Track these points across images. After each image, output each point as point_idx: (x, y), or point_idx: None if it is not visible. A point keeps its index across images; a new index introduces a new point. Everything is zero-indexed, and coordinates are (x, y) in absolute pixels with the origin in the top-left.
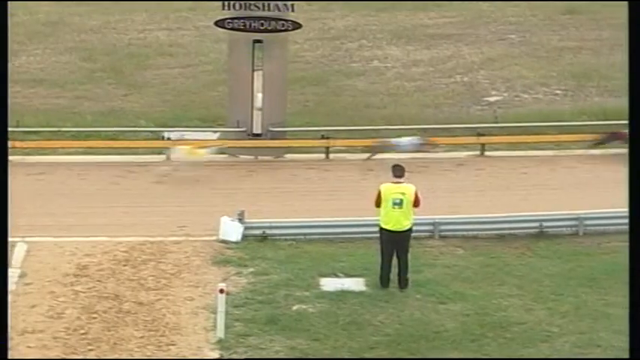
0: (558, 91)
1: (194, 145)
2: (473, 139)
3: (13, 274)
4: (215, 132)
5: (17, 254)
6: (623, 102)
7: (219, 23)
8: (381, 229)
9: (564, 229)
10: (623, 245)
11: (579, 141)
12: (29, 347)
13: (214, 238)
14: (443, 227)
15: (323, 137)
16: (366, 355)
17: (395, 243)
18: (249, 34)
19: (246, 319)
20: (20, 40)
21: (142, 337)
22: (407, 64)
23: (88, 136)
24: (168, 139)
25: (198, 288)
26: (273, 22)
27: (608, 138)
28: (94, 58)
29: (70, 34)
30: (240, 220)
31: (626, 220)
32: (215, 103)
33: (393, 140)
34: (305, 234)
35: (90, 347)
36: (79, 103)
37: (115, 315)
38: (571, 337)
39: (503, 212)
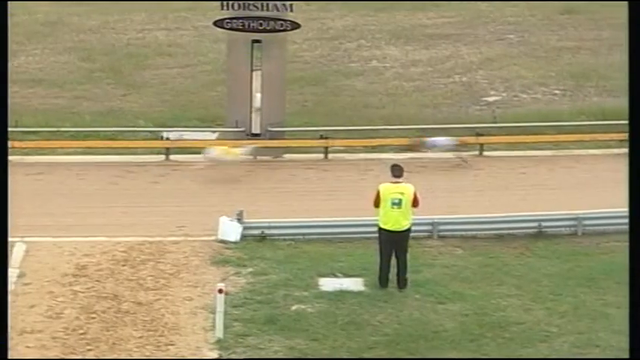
0: (557, 91)
1: (230, 145)
2: (472, 139)
3: (11, 274)
4: (214, 132)
5: (16, 254)
6: (621, 102)
7: (218, 23)
8: (380, 229)
9: (563, 229)
10: (621, 245)
11: (578, 141)
12: (28, 347)
13: (213, 238)
14: (442, 227)
15: (322, 137)
16: (365, 355)
17: (394, 243)
18: (247, 34)
19: (245, 319)
20: (19, 40)
21: (140, 337)
22: (405, 64)
23: (86, 136)
24: (167, 139)
25: (197, 288)
26: (271, 22)
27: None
28: (93, 58)
29: (69, 34)
30: (239, 220)
31: (625, 220)
32: (214, 103)
33: (429, 139)
34: (304, 234)
35: (89, 347)
36: (78, 103)
37: (113, 315)
38: (570, 337)
39: (502, 212)
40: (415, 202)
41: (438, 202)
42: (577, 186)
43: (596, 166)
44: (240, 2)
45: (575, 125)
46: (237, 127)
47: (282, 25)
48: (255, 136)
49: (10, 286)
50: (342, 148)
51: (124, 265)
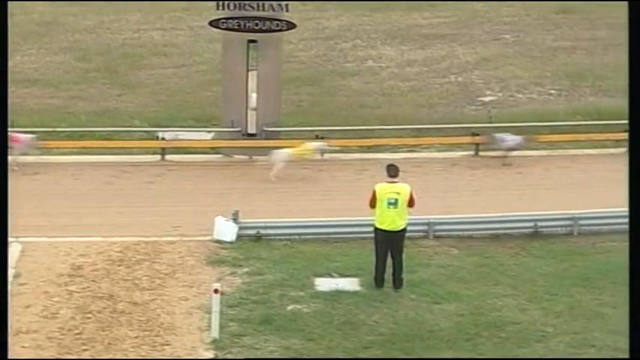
0: (552, 91)
1: (299, 145)
2: (467, 139)
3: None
4: (209, 132)
5: (12, 254)
6: (617, 102)
7: (214, 23)
8: (376, 229)
9: (559, 228)
10: (617, 245)
11: (574, 141)
12: (23, 347)
13: (209, 238)
14: (437, 227)
15: (317, 137)
16: (361, 355)
17: (390, 243)
18: (243, 34)
19: (240, 319)
20: (14, 40)
21: (136, 337)
22: (401, 64)
23: (82, 136)
24: (163, 139)
25: (193, 288)
26: (267, 22)
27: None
28: (89, 58)
29: (65, 34)
30: (235, 220)
31: (620, 220)
32: (209, 103)
33: (497, 136)
34: (299, 234)
35: (84, 347)
36: (74, 103)
37: (109, 315)
38: (565, 337)
39: (498, 212)
40: (411, 202)
41: (434, 202)
42: (573, 186)
43: (592, 166)
44: (236, 2)
45: (570, 125)
46: (232, 127)
47: (277, 25)
48: (251, 136)
49: None
50: (337, 148)
51: (119, 265)
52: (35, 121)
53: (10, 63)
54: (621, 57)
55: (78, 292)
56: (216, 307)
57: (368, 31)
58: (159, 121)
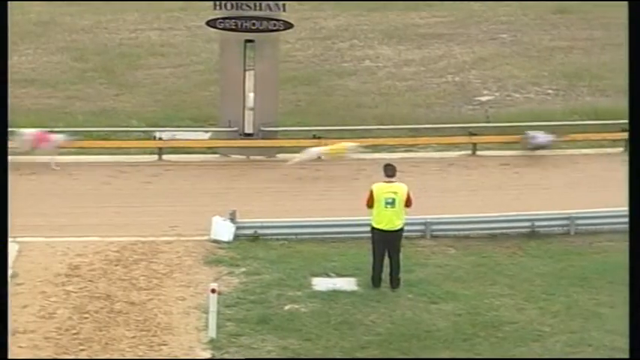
0: (550, 91)
1: (332, 144)
2: (464, 139)
3: None
4: (207, 132)
5: (9, 254)
6: (614, 101)
7: (211, 23)
8: (373, 228)
9: (556, 228)
10: (614, 245)
11: (571, 141)
12: (20, 347)
13: (206, 237)
14: (434, 227)
15: (314, 137)
16: (358, 355)
17: (387, 242)
18: (240, 33)
19: (237, 318)
20: (12, 39)
21: (133, 337)
22: (398, 63)
23: (79, 135)
24: (160, 139)
25: (190, 288)
26: (264, 22)
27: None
28: (86, 58)
29: (62, 34)
30: (232, 220)
31: (617, 220)
32: (207, 102)
33: (529, 134)
34: (297, 234)
35: (81, 347)
36: (71, 103)
37: (106, 315)
38: (562, 337)
39: (495, 212)
40: (408, 202)
41: (431, 202)
42: (570, 185)
43: (589, 166)
44: (233, 2)
45: (568, 125)
46: (230, 126)
47: (274, 24)
48: (248, 135)
49: None
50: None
51: (116, 265)
52: (32, 121)
53: None
54: (618, 57)
55: (75, 292)
56: (213, 307)
57: (365, 31)
58: (156, 121)
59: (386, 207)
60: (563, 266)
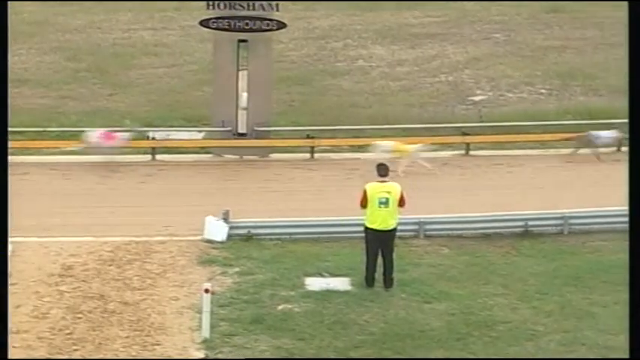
0: (543, 90)
1: (403, 142)
2: (458, 139)
3: None
4: (200, 132)
5: None
6: (607, 101)
7: (204, 23)
8: (367, 228)
9: (549, 228)
10: (607, 244)
11: (564, 140)
12: (14, 347)
13: (199, 237)
14: (428, 227)
15: (308, 137)
16: (352, 355)
17: (380, 242)
18: (234, 33)
19: (231, 318)
20: None
21: (127, 337)
22: (392, 63)
23: (72, 136)
24: (154, 138)
25: (184, 288)
26: (258, 22)
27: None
28: (79, 58)
29: (55, 34)
30: (225, 220)
31: (611, 219)
32: (200, 102)
33: (593, 133)
34: (290, 233)
35: (75, 347)
36: (64, 102)
37: (100, 315)
38: (556, 336)
39: (488, 211)
40: (402, 202)
41: (425, 202)
42: (563, 185)
43: (582, 165)
44: (226, 2)
45: (561, 124)
46: (223, 126)
47: (268, 24)
48: (242, 135)
49: None
50: (328, 147)
51: (110, 265)
52: (25, 121)
53: None
54: (611, 56)
55: (68, 292)
56: (206, 307)
57: (358, 31)
58: (150, 120)
59: (379, 207)
60: (557, 266)
